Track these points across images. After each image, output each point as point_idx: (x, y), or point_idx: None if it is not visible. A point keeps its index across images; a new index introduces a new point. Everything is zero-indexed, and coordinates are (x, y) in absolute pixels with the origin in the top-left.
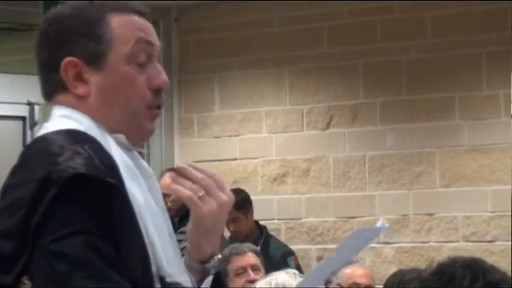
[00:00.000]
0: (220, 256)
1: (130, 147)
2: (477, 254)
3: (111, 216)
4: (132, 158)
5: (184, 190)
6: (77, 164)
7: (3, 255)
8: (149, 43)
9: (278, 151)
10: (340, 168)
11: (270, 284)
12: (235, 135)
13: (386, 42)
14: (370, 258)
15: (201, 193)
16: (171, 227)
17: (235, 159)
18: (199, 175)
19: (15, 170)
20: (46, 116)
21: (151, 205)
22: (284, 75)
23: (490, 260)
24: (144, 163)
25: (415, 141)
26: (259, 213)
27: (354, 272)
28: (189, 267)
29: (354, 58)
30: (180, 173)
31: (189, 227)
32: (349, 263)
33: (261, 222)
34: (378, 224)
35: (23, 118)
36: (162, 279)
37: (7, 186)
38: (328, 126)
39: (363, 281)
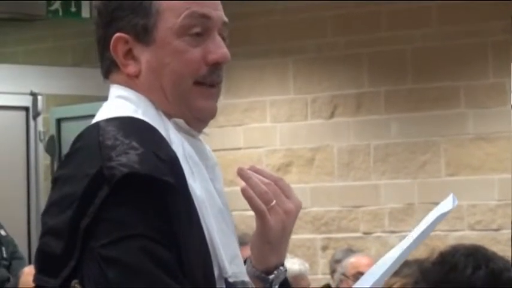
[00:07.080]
0: (286, 267)
1: (193, 133)
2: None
3: (169, 218)
4: (194, 146)
5: (258, 201)
6: (130, 160)
7: (52, 256)
8: (204, 16)
9: (282, 140)
10: (344, 157)
11: None
12: (240, 125)
13: (391, 31)
14: (375, 247)
15: (273, 203)
16: (233, 221)
17: (239, 149)
18: (265, 180)
19: (66, 161)
20: (49, 106)
21: (214, 198)
22: (288, 64)
23: (496, 248)
24: (208, 151)
25: (420, 130)
26: None
27: (359, 261)
28: (251, 275)
29: (358, 47)
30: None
31: (252, 236)
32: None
33: None
34: (448, 203)
35: (26, 108)
36: (225, 280)
37: (57, 178)
38: (332, 115)
39: (367, 270)
